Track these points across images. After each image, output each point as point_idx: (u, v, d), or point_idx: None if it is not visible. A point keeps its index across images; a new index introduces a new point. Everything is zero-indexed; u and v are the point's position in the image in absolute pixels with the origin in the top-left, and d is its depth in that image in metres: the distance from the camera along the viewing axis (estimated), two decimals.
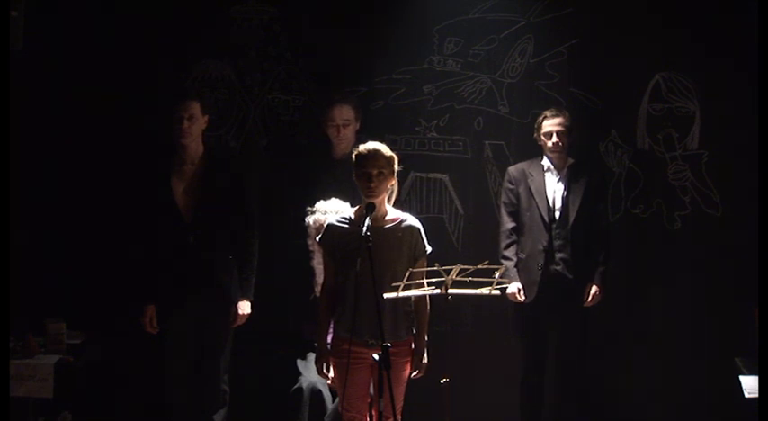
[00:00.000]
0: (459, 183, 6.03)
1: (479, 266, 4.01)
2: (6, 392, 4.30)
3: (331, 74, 5.93)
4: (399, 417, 4.11)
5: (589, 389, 5.63)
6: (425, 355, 4.23)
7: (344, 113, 5.49)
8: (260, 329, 5.33)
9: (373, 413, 4.17)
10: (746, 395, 4.82)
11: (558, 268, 5.48)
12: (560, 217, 5.51)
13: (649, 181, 5.91)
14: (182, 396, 5.06)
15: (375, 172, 4.08)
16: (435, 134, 6.02)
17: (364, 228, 3.88)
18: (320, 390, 5.00)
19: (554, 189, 5.55)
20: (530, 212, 5.53)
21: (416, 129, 6.02)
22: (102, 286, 5.65)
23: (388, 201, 4.23)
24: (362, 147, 4.16)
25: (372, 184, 4.08)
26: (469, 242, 5.95)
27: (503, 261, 5.39)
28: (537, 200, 5.52)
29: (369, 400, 4.26)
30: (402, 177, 4.35)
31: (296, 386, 5.07)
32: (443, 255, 4.17)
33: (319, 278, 4.74)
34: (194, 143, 5.11)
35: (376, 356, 3.83)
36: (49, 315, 5.33)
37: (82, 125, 5.80)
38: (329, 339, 4.30)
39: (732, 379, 5.10)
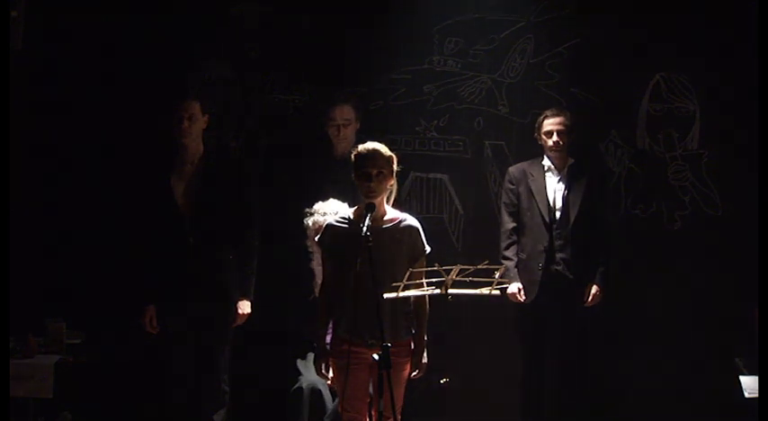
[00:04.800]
0: (459, 183, 6.03)
1: (479, 266, 4.01)
2: (6, 392, 4.30)
3: (331, 74, 5.92)
4: (399, 417, 4.11)
5: (589, 388, 5.63)
6: (425, 355, 4.23)
7: (345, 113, 5.49)
8: (260, 329, 5.33)
9: (373, 413, 4.17)
10: (746, 395, 4.82)
11: (559, 268, 5.48)
12: (561, 217, 5.51)
13: (649, 181, 5.91)
14: (182, 396, 5.05)
15: (374, 172, 4.08)
16: (435, 134, 6.02)
17: (364, 229, 3.88)
18: (320, 390, 5.00)
19: (554, 189, 5.55)
20: (530, 212, 5.53)
21: (416, 129, 6.02)
22: (102, 286, 5.65)
23: (387, 202, 4.22)
24: (362, 147, 4.16)
25: (372, 184, 4.07)
26: (469, 242, 5.95)
27: (503, 261, 5.39)
28: (537, 200, 5.52)
29: (368, 400, 4.25)
30: (402, 177, 4.35)
31: (296, 386, 5.07)
32: (443, 255, 4.17)
33: (319, 279, 4.73)
34: (194, 143, 5.11)
35: (376, 356, 3.83)
36: (49, 315, 5.33)
37: (82, 125, 5.80)
38: (328, 339, 4.29)
39: (732, 379, 5.10)
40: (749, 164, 5.35)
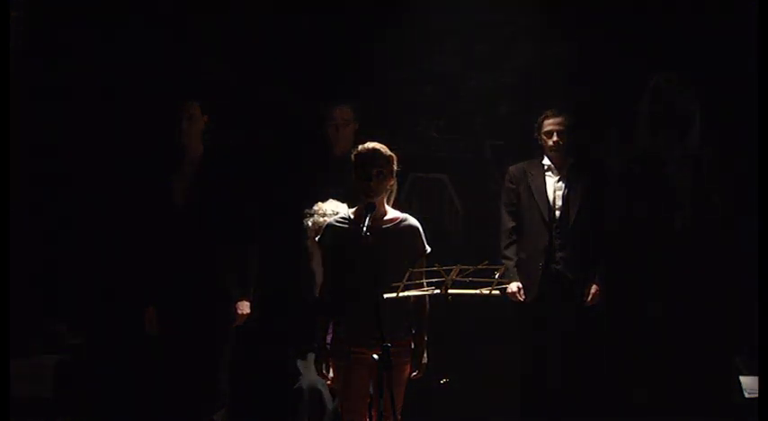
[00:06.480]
0: (459, 183, 6.03)
1: (479, 266, 4.01)
2: (6, 392, 4.30)
3: (331, 74, 5.92)
4: (399, 418, 4.10)
5: (589, 388, 5.63)
6: (425, 355, 4.23)
7: (344, 113, 5.49)
8: (260, 329, 5.33)
9: (373, 413, 4.17)
10: (746, 395, 4.83)
11: (559, 267, 5.49)
12: (561, 216, 5.52)
13: (649, 181, 5.91)
14: (181, 396, 5.06)
15: (374, 171, 4.08)
16: (435, 134, 6.02)
17: (364, 229, 3.88)
18: (320, 391, 5.00)
19: (554, 188, 5.56)
20: (530, 212, 5.53)
21: (416, 129, 6.02)
22: (102, 287, 5.65)
23: (387, 202, 4.22)
24: (362, 147, 4.16)
25: (372, 184, 4.07)
26: (469, 242, 5.95)
27: (503, 260, 5.39)
28: (537, 199, 5.52)
29: (368, 401, 4.25)
30: (402, 177, 4.36)
31: (296, 386, 5.07)
32: (443, 255, 4.17)
33: (319, 279, 4.73)
34: (194, 143, 5.12)
35: (376, 356, 3.83)
36: (49, 315, 5.34)
37: (82, 126, 5.80)
38: (329, 339, 4.29)
39: (732, 379, 5.10)
40: (749, 164, 5.35)
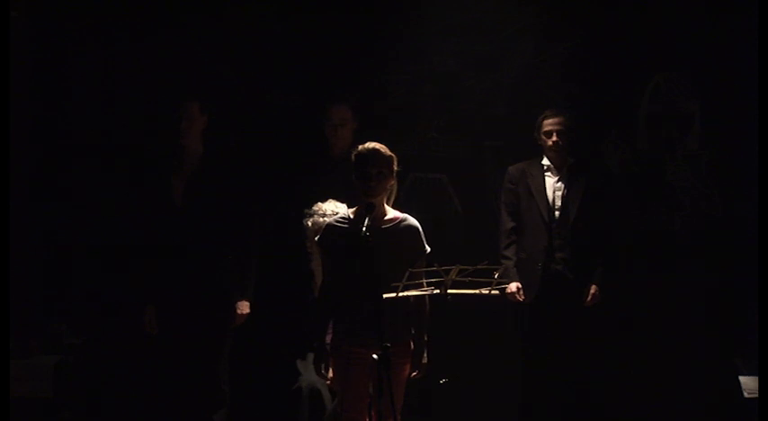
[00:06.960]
0: (459, 183, 6.02)
1: (479, 266, 4.01)
2: (6, 392, 4.31)
3: (330, 74, 5.92)
4: (399, 418, 4.11)
5: (589, 388, 5.63)
6: (425, 355, 4.23)
7: (342, 113, 5.48)
8: (260, 329, 5.33)
9: (373, 413, 4.17)
10: (746, 395, 4.83)
11: (559, 268, 5.48)
12: (560, 216, 5.52)
13: (649, 181, 5.91)
14: (181, 396, 5.06)
15: (374, 171, 4.09)
16: (435, 134, 6.02)
17: (364, 228, 3.88)
18: (319, 390, 5.01)
19: (554, 189, 5.56)
20: (530, 212, 5.53)
21: (416, 129, 6.02)
22: (101, 286, 5.66)
23: (387, 202, 4.23)
24: (362, 147, 4.17)
25: (372, 184, 4.08)
26: (469, 242, 5.95)
27: (502, 261, 5.39)
28: (537, 199, 5.52)
29: (368, 400, 4.25)
30: (402, 177, 4.37)
31: (295, 386, 5.07)
32: (443, 255, 4.17)
33: (318, 279, 4.74)
34: (194, 143, 5.12)
35: (375, 356, 3.83)
36: (49, 315, 5.34)
37: (82, 126, 5.81)
38: (328, 339, 4.30)
39: (732, 379, 5.10)
40: (749, 164, 5.35)
